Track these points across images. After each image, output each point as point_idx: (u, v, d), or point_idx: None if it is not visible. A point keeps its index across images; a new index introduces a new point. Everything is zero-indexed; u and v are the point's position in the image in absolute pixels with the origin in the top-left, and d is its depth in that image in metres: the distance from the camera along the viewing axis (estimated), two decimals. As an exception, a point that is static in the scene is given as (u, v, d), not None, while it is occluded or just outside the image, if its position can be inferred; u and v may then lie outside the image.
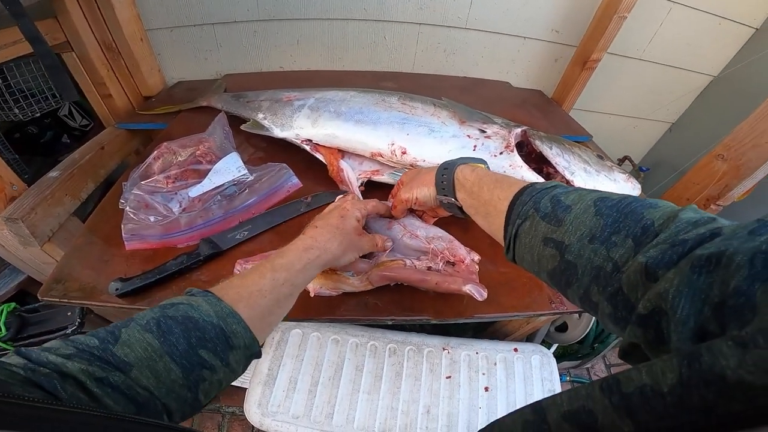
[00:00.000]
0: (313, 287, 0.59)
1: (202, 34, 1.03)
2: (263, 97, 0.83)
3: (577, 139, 1.03)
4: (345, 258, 0.51)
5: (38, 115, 1.04)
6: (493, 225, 0.42)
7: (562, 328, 1.21)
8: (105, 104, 1.06)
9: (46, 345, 0.28)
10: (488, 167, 0.52)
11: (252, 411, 0.74)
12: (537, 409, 0.25)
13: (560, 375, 1.33)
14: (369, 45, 1.10)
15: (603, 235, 0.29)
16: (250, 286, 0.39)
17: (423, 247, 0.59)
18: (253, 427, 0.74)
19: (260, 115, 0.80)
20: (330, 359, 0.80)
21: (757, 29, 1.11)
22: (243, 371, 0.39)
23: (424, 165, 0.65)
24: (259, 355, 0.39)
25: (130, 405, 0.28)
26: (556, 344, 1.24)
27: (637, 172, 1.42)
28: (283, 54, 1.11)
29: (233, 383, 0.81)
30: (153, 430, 0.25)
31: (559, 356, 1.37)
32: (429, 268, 0.58)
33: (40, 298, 0.57)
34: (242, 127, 0.82)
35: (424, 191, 0.54)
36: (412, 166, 0.66)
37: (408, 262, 0.59)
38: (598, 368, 1.49)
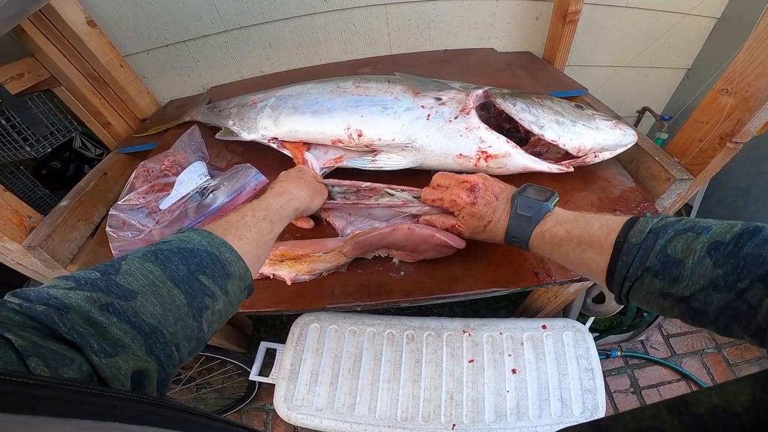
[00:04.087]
0: (290, 275, 0.59)
1: (176, 52, 1.06)
2: (233, 104, 0.85)
3: (571, 94, 0.96)
4: (314, 202, 0.56)
5: (50, 150, 1.12)
6: (589, 278, 0.45)
7: (599, 299, 1.10)
8: (107, 132, 1.12)
9: (44, 285, 0.27)
10: (556, 198, 0.47)
11: (279, 406, 0.76)
12: (597, 427, 0.26)
13: (610, 350, 1.24)
14: (340, 35, 1.09)
15: (727, 283, 0.29)
16: (235, 221, 0.41)
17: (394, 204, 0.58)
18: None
19: (230, 122, 0.81)
20: (348, 350, 0.80)
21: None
22: (238, 306, 0.39)
23: (380, 144, 0.63)
24: (252, 290, 0.40)
25: (138, 336, 0.27)
26: (593, 317, 1.15)
27: (660, 122, 1.33)
28: (259, 59, 1.12)
29: (268, 381, 0.83)
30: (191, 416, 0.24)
31: (605, 330, 1.28)
32: None
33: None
34: (216, 136, 0.84)
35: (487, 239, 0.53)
36: (367, 147, 0.64)
37: (379, 225, 0.58)
38: (654, 340, 1.37)
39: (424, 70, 1.02)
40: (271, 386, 0.98)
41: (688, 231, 0.33)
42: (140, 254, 0.32)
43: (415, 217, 0.59)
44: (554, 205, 0.46)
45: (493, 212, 0.48)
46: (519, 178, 0.66)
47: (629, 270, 0.35)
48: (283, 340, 0.88)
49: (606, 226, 0.39)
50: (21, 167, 1.23)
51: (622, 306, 1.06)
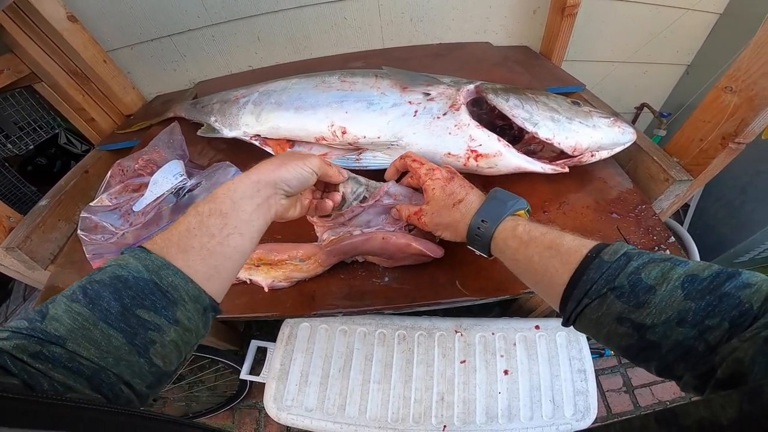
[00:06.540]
0: (266, 281, 0.57)
1: (161, 47, 1.03)
2: (215, 99, 0.82)
3: (568, 89, 0.93)
4: (284, 172, 0.41)
5: (32, 147, 1.10)
6: (544, 292, 0.41)
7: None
8: (91, 128, 1.09)
9: None
10: (529, 210, 0.47)
11: (269, 406, 0.75)
12: None
13: (603, 349, 1.21)
14: (331, 28, 1.05)
15: (695, 318, 0.29)
16: (178, 226, 0.35)
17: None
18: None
19: (212, 119, 0.78)
20: (339, 350, 0.79)
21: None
22: (206, 329, 0.35)
23: (365, 142, 0.60)
24: (216, 310, 0.36)
25: (80, 378, 0.26)
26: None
27: (659, 118, 1.31)
28: (247, 53, 1.09)
29: (259, 380, 0.82)
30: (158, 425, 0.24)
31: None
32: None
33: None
34: (198, 133, 0.81)
35: (450, 236, 0.49)
36: (350, 144, 0.61)
37: (356, 232, 0.55)
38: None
39: (417, 64, 0.99)
40: (264, 384, 0.96)
41: (665, 261, 0.32)
42: (70, 292, 0.29)
43: (389, 221, 0.56)
44: (527, 212, 0.46)
45: (466, 193, 0.47)
46: (511, 178, 0.63)
47: (593, 286, 0.34)
48: (275, 338, 0.87)
49: (578, 240, 0.38)
50: (6, 164, 1.20)
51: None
